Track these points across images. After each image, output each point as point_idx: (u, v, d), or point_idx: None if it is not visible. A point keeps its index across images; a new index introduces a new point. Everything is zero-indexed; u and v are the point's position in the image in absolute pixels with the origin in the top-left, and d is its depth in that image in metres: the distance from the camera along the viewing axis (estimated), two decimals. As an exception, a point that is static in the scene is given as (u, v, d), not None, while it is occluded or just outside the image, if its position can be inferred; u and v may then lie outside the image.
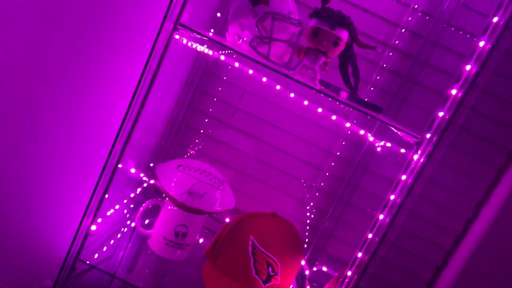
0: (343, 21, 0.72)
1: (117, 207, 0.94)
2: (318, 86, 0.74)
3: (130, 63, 0.82)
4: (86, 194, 0.75)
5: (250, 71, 1.12)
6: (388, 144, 1.08)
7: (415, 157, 0.70)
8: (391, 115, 1.10)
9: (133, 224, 1.01)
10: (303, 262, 1.13)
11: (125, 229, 1.00)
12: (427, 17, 1.07)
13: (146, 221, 1.03)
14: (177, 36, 0.70)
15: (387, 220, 0.71)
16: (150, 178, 1.14)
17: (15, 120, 0.63)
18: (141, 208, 0.91)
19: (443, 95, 0.69)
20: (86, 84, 0.73)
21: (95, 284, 0.84)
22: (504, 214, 1.02)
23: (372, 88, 1.11)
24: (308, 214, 1.18)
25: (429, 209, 1.11)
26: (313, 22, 0.74)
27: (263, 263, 0.87)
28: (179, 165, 0.92)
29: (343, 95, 0.76)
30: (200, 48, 1.01)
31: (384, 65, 1.10)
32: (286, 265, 0.89)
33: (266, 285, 0.87)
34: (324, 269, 1.12)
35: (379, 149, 1.09)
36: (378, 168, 1.12)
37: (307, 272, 1.12)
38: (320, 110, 1.11)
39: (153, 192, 1.18)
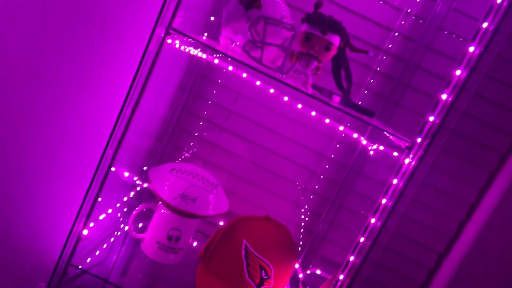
0: (334, 26, 0.73)
1: (109, 211, 0.94)
2: (310, 91, 0.75)
3: (124, 67, 0.82)
4: (79, 198, 0.75)
5: (244, 75, 1.12)
6: (381, 148, 1.08)
7: (406, 161, 0.70)
8: (384, 118, 1.11)
9: (126, 228, 1.00)
10: (297, 265, 1.13)
11: (119, 233, 1.00)
12: (420, 21, 1.08)
13: (140, 225, 1.03)
14: (169, 41, 0.70)
15: (379, 223, 0.72)
16: (143, 181, 1.14)
17: (6, 123, 0.63)
18: (134, 212, 0.91)
19: (435, 99, 0.70)
20: (79, 87, 0.73)
21: (88, 288, 0.84)
22: (497, 216, 1.02)
23: (366, 92, 1.12)
24: (302, 217, 1.19)
25: (422, 212, 1.12)
26: (304, 27, 0.75)
27: (256, 267, 0.87)
28: (172, 169, 0.92)
29: (336, 99, 0.77)
30: (194, 51, 1.02)
31: (378, 69, 1.11)
32: (279, 269, 0.89)
33: (259, 288, 0.87)
34: (318, 272, 1.12)
35: (371, 152, 1.09)
36: (371, 171, 1.13)
37: (300, 275, 1.12)
38: (313, 113, 1.12)
39: (147, 195, 1.18)
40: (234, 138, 1.17)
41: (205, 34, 1.12)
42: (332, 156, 1.15)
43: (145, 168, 1.17)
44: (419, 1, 1.07)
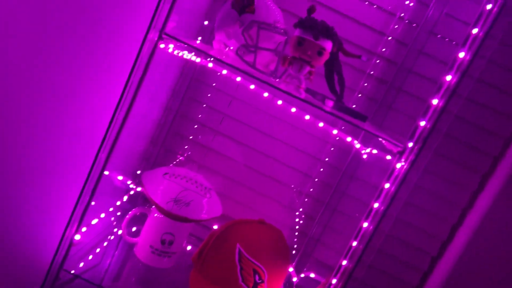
0: (327, 32, 0.73)
1: (102, 215, 0.94)
2: (303, 95, 0.75)
3: (118, 71, 0.82)
4: (72, 202, 0.75)
5: (238, 78, 1.13)
6: (375, 151, 1.09)
7: (398, 165, 0.71)
8: (377, 122, 1.11)
9: (120, 232, 1.00)
10: (291, 269, 1.13)
11: (112, 237, 1.00)
12: (414, 24, 1.09)
13: (134, 229, 1.03)
14: (162, 45, 0.70)
15: (371, 227, 0.72)
16: (137, 185, 1.13)
17: (-2, 129, 0.63)
18: (127, 216, 0.91)
19: (426, 103, 0.70)
20: (73, 90, 0.73)
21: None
22: (489, 220, 1.03)
23: (359, 95, 1.13)
24: (296, 220, 1.19)
25: (415, 215, 1.12)
26: (297, 32, 0.75)
27: (249, 271, 0.87)
28: (165, 173, 0.92)
29: (329, 103, 0.77)
30: (188, 55, 1.02)
31: (372, 73, 1.12)
32: (273, 273, 0.89)
33: (253, 292, 0.87)
34: (312, 275, 1.13)
35: (365, 156, 1.10)
36: (365, 175, 1.13)
37: (295, 279, 1.12)
38: (307, 117, 1.12)
39: (141, 199, 1.17)
40: (229, 142, 1.17)
41: (199, 38, 1.12)
42: (327, 159, 1.16)
43: (138, 172, 1.17)
44: (412, 6, 1.08)
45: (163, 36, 0.68)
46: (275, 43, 0.85)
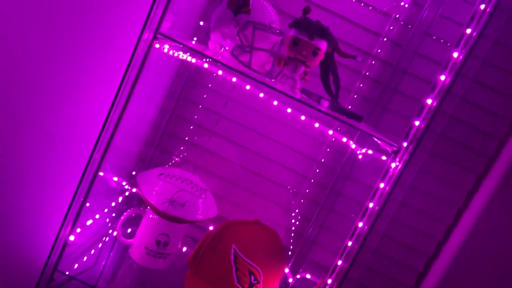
0: (321, 32, 0.73)
1: (97, 216, 0.93)
2: (298, 95, 0.75)
3: (113, 71, 0.82)
4: (66, 203, 0.74)
5: (234, 79, 1.13)
6: (370, 152, 1.09)
7: (393, 165, 0.71)
8: (372, 122, 1.12)
9: (115, 233, 1.00)
10: (286, 270, 1.13)
11: (107, 238, 0.99)
12: (409, 26, 1.09)
13: (129, 230, 1.03)
14: (157, 45, 0.70)
15: (366, 227, 0.72)
16: (132, 186, 1.13)
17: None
18: (122, 217, 0.90)
19: (420, 103, 0.70)
20: (67, 91, 0.73)
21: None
22: (484, 220, 1.04)
23: (355, 96, 1.13)
24: (292, 221, 1.19)
25: (411, 215, 1.12)
26: (292, 32, 0.75)
27: (245, 272, 0.87)
28: (160, 174, 0.92)
29: (324, 103, 0.77)
30: (183, 56, 1.02)
31: (367, 73, 1.12)
32: (268, 274, 0.89)
33: (248, 293, 0.87)
34: (308, 276, 1.13)
35: (360, 156, 1.10)
36: (360, 175, 1.13)
37: (290, 280, 1.12)
38: (303, 117, 1.12)
39: (136, 200, 1.17)
40: (224, 142, 1.17)
41: (195, 38, 1.12)
42: (323, 160, 1.16)
43: (134, 173, 1.16)
44: (406, 7, 1.09)
45: (158, 36, 0.68)
46: (270, 43, 0.85)
